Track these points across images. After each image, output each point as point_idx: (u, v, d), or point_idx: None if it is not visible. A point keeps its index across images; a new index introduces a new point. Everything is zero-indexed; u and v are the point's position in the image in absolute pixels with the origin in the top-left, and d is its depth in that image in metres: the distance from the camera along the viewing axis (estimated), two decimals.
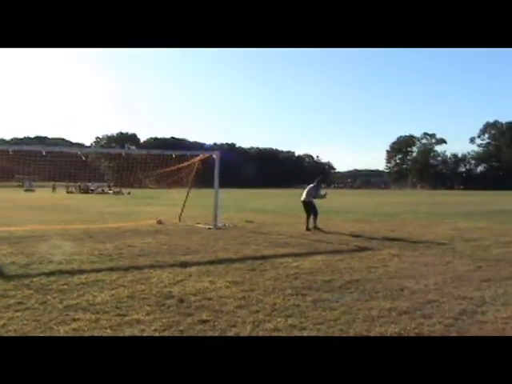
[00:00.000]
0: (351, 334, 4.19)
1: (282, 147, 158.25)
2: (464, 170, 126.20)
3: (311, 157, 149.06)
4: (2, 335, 4.09)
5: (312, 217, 13.26)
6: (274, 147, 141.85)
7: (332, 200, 37.91)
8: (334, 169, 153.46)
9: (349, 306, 5.08)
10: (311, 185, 13.97)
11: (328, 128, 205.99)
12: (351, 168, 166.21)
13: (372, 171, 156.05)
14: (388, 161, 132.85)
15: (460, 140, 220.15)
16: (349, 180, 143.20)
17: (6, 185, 46.51)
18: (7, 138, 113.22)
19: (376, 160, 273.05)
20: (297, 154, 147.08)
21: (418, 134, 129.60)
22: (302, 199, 13.61)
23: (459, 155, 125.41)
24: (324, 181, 14.30)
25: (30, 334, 4.08)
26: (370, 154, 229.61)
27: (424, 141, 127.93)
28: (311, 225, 13.16)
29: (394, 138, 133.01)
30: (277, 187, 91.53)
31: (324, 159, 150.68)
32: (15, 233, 11.84)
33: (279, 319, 4.58)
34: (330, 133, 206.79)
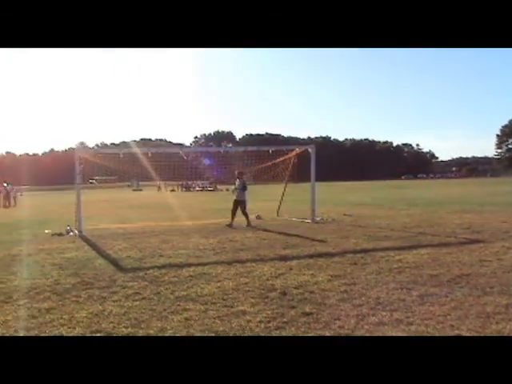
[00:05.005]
0: (464, 330, 3.96)
1: (379, 137, 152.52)
2: None
3: (411, 146, 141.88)
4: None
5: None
6: (370, 138, 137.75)
7: (435, 191, 35.86)
8: (437, 157, 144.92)
9: (459, 302, 4.80)
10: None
11: (429, 114, 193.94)
12: (456, 156, 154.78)
13: (480, 158, 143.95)
14: (498, 146, 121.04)
15: None
16: (453, 169, 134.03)
17: (118, 185, 50.86)
18: (116, 141, 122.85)
19: (484, 146, 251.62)
20: (395, 143, 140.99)
21: None
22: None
23: None
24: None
25: (147, 323, 4.43)
26: (477, 140, 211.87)
27: None
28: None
29: (505, 121, 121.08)
30: (374, 179, 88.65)
31: (425, 148, 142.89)
32: (129, 229, 12.97)
33: (384, 313, 4.47)
34: (431, 119, 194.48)
